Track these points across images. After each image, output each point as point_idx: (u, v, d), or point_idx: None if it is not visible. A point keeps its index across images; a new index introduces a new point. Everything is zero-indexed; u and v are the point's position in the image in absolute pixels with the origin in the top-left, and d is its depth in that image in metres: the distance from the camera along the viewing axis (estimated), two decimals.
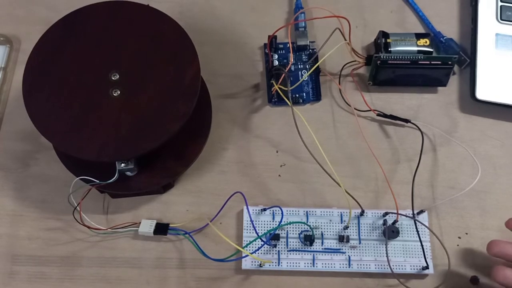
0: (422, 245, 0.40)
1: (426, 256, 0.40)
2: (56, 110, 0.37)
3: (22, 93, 0.37)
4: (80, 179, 0.39)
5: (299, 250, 0.41)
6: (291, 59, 0.47)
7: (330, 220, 0.41)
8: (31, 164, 0.44)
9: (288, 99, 0.42)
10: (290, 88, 0.43)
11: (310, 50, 0.48)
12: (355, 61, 0.47)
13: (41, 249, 0.41)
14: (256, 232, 0.40)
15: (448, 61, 0.44)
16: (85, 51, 0.39)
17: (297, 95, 0.47)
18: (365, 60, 0.46)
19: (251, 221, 0.41)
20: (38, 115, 0.37)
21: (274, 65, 0.47)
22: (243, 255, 0.40)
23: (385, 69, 0.45)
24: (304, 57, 0.48)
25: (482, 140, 0.45)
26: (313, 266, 0.40)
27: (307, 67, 0.48)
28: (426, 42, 0.46)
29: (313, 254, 0.40)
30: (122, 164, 0.37)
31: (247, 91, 0.47)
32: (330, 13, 0.45)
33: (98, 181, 0.38)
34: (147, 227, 0.41)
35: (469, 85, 0.47)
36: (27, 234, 0.42)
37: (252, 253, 0.39)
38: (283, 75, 0.43)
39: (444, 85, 0.47)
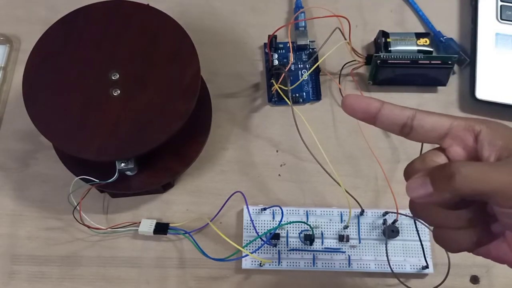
0: (422, 245, 0.40)
1: (426, 256, 0.40)
2: (56, 110, 0.37)
3: (22, 93, 0.37)
4: (80, 178, 0.39)
5: (299, 250, 0.41)
6: (291, 59, 0.47)
7: (330, 220, 0.41)
8: (31, 164, 0.44)
9: (288, 99, 0.42)
10: (290, 88, 0.43)
11: (310, 50, 0.48)
12: (355, 60, 0.47)
13: (41, 248, 0.41)
14: (256, 232, 0.40)
15: (448, 61, 0.44)
16: (85, 51, 0.39)
17: (297, 95, 0.47)
18: (365, 60, 0.46)
19: (251, 220, 0.41)
20: (38, 115, 0.37)
21: (274, 64, 0.47)
22: (243, 254, 0.40)
23: (385, 69, 0.45)
24: (304, 57, 0.48)
25: None
26: (313, 266, 0.40)
27: (307, 66, 0.48)
28: (426, 41, 0.46)
29: (313, 254, 0.40)
30: (122, 164, 0.37)
31: (247, 90, 0.47)
32: (330, 12, 0.45)
33: (98, 180, 0.38)
34: (147, 226, 0.41)
35: (469, 84, 0.47)
36: (27, 234, 0.42)
37: (252, 253, 0.39)
38: (283, 74, 0.43)
39: (444, 84, 0.47)
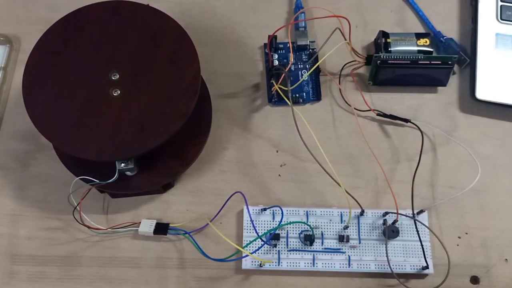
0: (422, 245, 0.40)
1: (426, 256, 0.40)
2: (56, 110, 0.37)
3: (22, 93, 0.37)
4: (80, 179, 0.39)
5: (299, 250, 0.41)
6: (291, 59, 0.47)
7: (330, 220, 0.41)
8: (31, 164, 0.44)
9: (288, 99, 0.42)
10: (290, 88, 0.43)
11: (310, 50, 0.48)
12: (355, 61, 0.47)
13: (41, 249, 0.41)
14: (256, 232, 0.40)
15: (448, 61, 0.44)
16: (85, 51, 0.39)
17: (297, 95, 0.47)
18: (365, 60, 0.46)
19: (251, 221, 0.41)
20: (38, 115, 0.37)
21: (274, 65, 0.47)
22: (243, 255, 0.40)
23: (385, 69, 0.45)
24: (304, 57, 0.48)
25: (482, 140, 0.45)
26: (313, 266, 0.40)
27: (307, 67, 0.48)
28: (426, 42, 0.46)
29: (313, 254, 0.40)
30: (122, 164, 0.37)
31: (247, 91, 0.47)
32: (330, 12, 0.45)
33: (98, 181, 0.38)
34: (147, 226, 0.41)
35: (469, 85, 0.47)
36: (27, 234, 0.42)
37: (252, 253, 0.39)
38: (283, 75, 0.43)
39: (444, 85, 0.47)
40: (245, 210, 0.41)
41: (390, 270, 0.39)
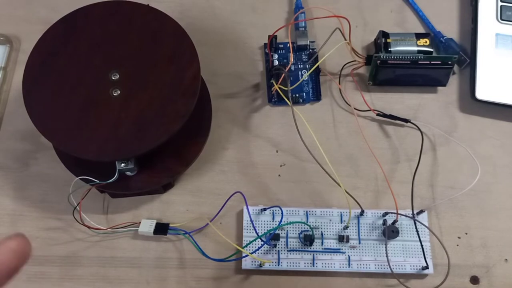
0: (422, 245, 0.40)
1: (426, 256, 0.40)
2: (56, 109, 0.37)
3: (22, 93, 0.37)
4: (80, 179, 0.39)
5: (299, 250, 0.41)
6: (291, 59, 0.47)
7: (330, 220, 0.41)
8: (31, 163, 0.44)
9: (288, 99, 0.42)
10: (290, 88, 0.43)
11: (310, 50, 0.48)
12: (355, 61, 0.47)
13: (41, 249, 0.41)
14: (256, 232, 0.40)
15: (448, 61, 0.44)
16: (85, 51, 0.39)
17: (297, 95, 0.47)
18: (365, 60, 0.46)
19: (251, 221, 0.41)
20: (38, 115, 0.37)
21: (274, 65, 0.47)
22: (243, 255, 0.40)
23: (385, 69, 0.45)
24: (304, 57, 0.48)
25: (482, 140, 0.45)
26: (313, 266, 0.40)
27: (307, 67, 0.48)
28: (426, 42, 0.46)
29: (313, 254, 0.40)
30: (122, 164, 0.37)
31: (247, 91, 0.47)
32: (330, 12, 0.45)
33: (98, 181, 0.38)
34: (147, 227, 0.41)
35: (469, 85, 0.47)
36: (27, 234, 0.40)
37: (252, 253, 0.39)
38: (283, 75, 0.43)
39: (444, 85, 0.47)
40: (245, 210, 0.41)
41: (390, 270, 0.39)
